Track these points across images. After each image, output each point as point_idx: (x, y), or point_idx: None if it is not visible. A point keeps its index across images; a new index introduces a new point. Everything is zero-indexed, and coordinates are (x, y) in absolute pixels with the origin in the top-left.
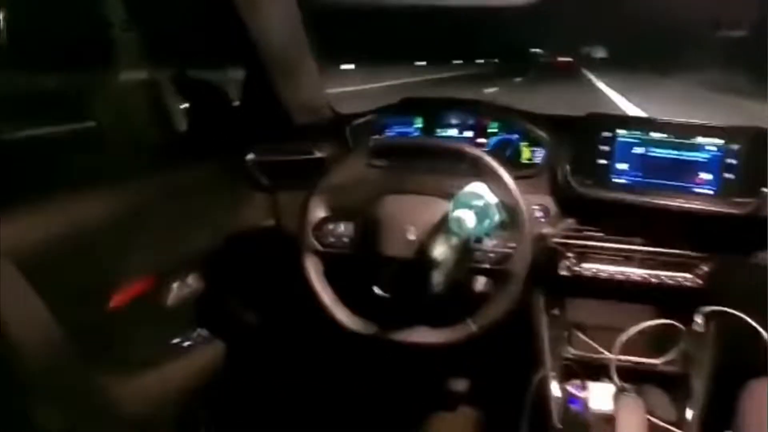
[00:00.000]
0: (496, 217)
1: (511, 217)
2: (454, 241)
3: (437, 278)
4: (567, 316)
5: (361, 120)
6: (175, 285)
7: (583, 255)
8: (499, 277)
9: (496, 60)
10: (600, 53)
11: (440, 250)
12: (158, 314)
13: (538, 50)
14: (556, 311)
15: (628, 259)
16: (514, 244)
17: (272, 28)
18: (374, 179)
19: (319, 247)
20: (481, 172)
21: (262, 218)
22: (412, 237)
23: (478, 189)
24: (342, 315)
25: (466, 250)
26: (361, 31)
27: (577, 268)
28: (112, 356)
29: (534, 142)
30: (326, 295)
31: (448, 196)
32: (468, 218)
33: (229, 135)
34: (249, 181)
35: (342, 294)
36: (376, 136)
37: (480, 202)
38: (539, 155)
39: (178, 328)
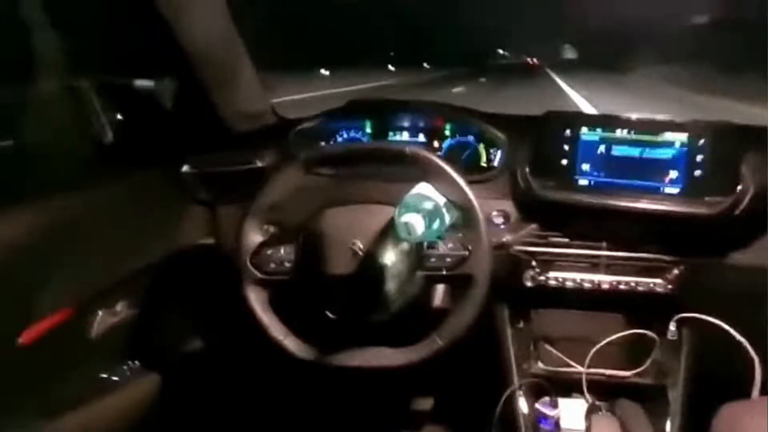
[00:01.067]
0: (447, 218)
1: (464, 217)
2: (405, 247)
3: (392, 291)
4: (533, 328)
5: (306, 125)
6: (100, 313)
7: (548, 263)
8: (460, 282)
9: (462, 62)
10: (569, 54)
11: (390, 258)
12: (81, 347)
13: (504, 52)
14: (521, 324)
15: (594, 265)
16: (470, 246)
17: (200, 29)
18: (313, 193)
19: (260, 276)
20: (426, 172)
21: (200, 235)
22: (358, 250)
23: (425, 190)
24: (293, 345)
25: (419, 256)
26: (325, 35)
27: (542, 278)
28: (27, 399)
29: (491, 144)
30: (274, 327)
31: (394, 202)
32: (416, 222)
33: (162, 145)
34: (186, 195)
35: (291, 322)
36: (315, 146)
37: (428, 204)
38: (497, 158)
39: (106, 362)
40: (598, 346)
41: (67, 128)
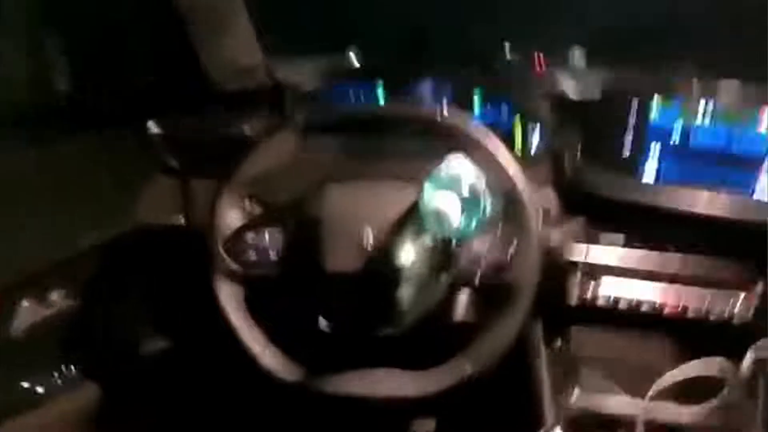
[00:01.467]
0: (488, 209)
1: (508, 209)
2: (429, 242)
3: (408, 299)
4: (573, 348)
5: (307, 87)
6: (25, 303)
7: (596, 272)
8: (498, 295)
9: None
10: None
11: (409, 255)
12: None
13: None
14: (558, 343)
15: (656, 278)
16: (513, 248)
17: None
18: (312, 165)
19: (237, 268)
20: (464, 144)
21: (166, 212)
22: (368, 242)
23: (461, 167)
24: (273, 361)
25: (446, 256)
26: None
27: (588, 295)
28: None
29: (530, 119)
30: (249, 334)
31: (417, 181)
32: (450, 209)
33: (128, 100)
34: (152, 162)
35: (273, 330)
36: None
37: (466, 186)
38: (537, 136)
39: (31, 368)
40: (663, 381)
41: (19, 79)
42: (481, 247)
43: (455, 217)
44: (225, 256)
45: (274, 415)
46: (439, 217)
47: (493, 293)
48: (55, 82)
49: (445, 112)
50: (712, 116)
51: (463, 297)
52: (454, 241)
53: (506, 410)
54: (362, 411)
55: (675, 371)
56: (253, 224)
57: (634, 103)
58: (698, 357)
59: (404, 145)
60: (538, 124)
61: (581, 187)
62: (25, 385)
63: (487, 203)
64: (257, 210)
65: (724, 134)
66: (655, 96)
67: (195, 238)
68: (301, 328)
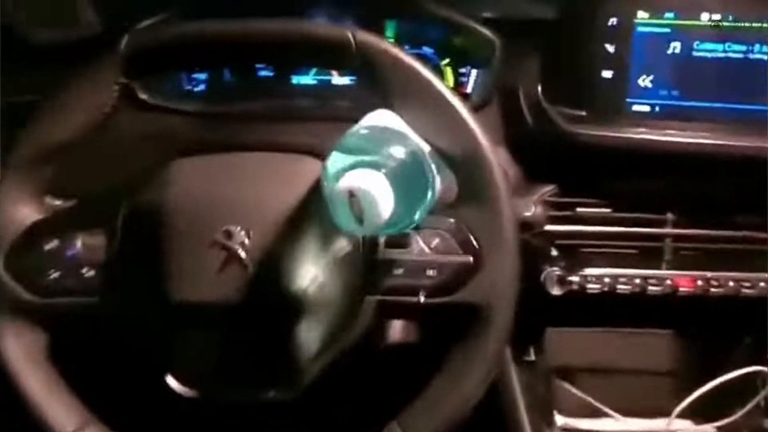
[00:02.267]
0: (435, 188)
1: (465, 183)
2: (342, 246)
3: (311, 342)
4: (550, 359)
5: (153, 21)
6: None
7: (578, 253)
8: (455, 320)
9: None
10: None
11: (310, 272)
12: None
13: None
14: (531, 354)
15: (652, 252)
16: (479, 243)
17: None
18: (146, 128)
19: (28, 296)
20: (384, 86)
21: None
22: (239, 250)
23: (389, 127)
24: None
25: (371, 265)
26: None
27: (574, 279)
28: None
29: (462, 58)
30: (58, 408)
31: (320, 148)
32: (376, 189)
33: None
34: None
35: (96, 398)
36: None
37: (399, 151)
38: (473, 80)
39: None
40: (690, 398)
41: None
42: (425, 246)
43: (385, 205)
44: (8, 279)
45: None
46: (359, 206)
47: (448, 318)
48: None
49: (364, 36)
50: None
51: (398, 327)
52: (381, 241)
53: None
54: None
55: (708, 385)
56: (55, 225)
57: (612, 21)
58: (717, 350)
59: (289, 100)
60: (478, 63)
61: (547, 136)
62: None
63: (436, 178)
64: (60, 203)
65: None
66: (639, 13)
67: None
68: (140, 392)
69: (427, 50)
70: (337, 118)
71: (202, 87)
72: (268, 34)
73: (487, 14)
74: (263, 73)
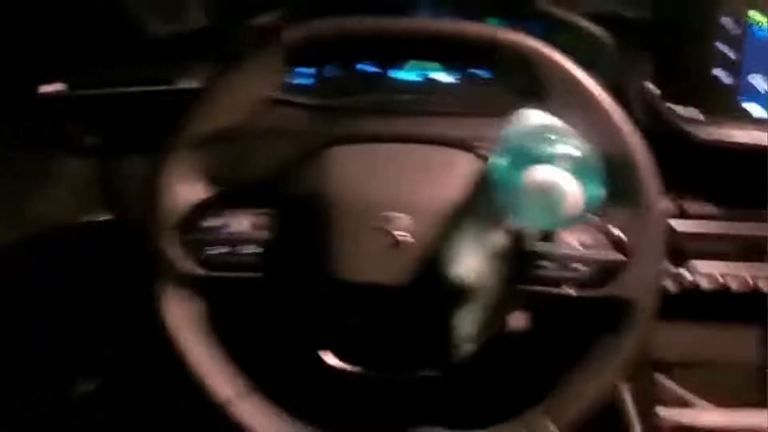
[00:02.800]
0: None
1: (617, 183)
2: (498, 237)
3: (465, 325)
4: (655, 353)
5: (269, 17)
6: None
7: (688, 251)
8: (601, 313)
9: None
10: None
11: (471, 262)
12: None
13: None
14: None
15: (762, 252)
16: (630, 240)
17: None
18: (308, 115)
19: (195, 269)
20: (542, 87)
21: (82, 208)
22: (402, 236)
23: (546, 120)
24: (252, 416)
25: (526, 258)
26: None
27: (686, 277)
28: None
29: (566, 54)
30: (215, 373)
31: (468, 142)
32: (567, 183)
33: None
34: (56, 140)
35: (252, 367)
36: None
37: (568, 147)
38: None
39: None
40: None
41: None
42: (575, 240)
43: (573, 199)
44: (176, 251)
45: None
46: (547, 200)
47: (594, 311)
48: None
49: (515, 36)
50: None
51: (543, 318)
52: (532, 235)
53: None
54: None
55: None
56: (222, 203)
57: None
58: None
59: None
60: (585, 60)
61: (658, 135)
62: None
63: (597, 178)
64: (221, 187)
65: None
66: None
67: (125, 238)
68: (299, 365)
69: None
70: (478, 114)
71: (308, 81)
72: (422, 32)
73: (594, 11)
74: (365, 68)
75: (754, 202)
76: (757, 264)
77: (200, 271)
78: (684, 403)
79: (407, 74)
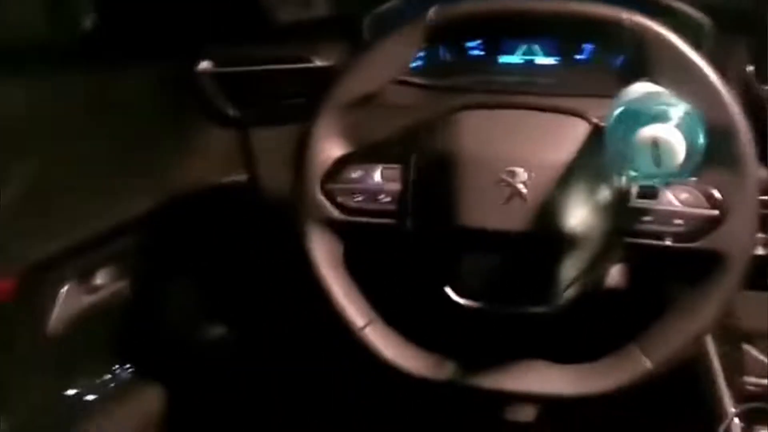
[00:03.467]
0: (703, 145)
1: (715, 146)
2: (606, 193)
3: (571, 268)
4: (744, 322)
5: (389, 5)
6: (66, 289)
7: None
8: (696, 264)
9: None
10: None
11: (581, 213)
12: (29, 344)
13: None
14: (725, 317)
15: None
16: (724, 199)
17: None
18: (440, 85)
19: (336, 214)
20: (650, 62)
21: (225, 169)
22: (521, 187)
23: (659, 93)
24: (381, 342)
25: (629, 211)
26: None
27: None
28: None
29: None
30: (352, 304)
31: (586, 112)
32: (674, 138)
33: (169, 30)
34: (203, 109)
35: (384, 301)
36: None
37: (677, 110)
38: None
39: (76, 370)
40: None
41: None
42: (674, 198)
43: (680, 150)
44: (321, 198)
45: (376, 412)
46: (657, 152)
47: (690, 261)
48: (76, 9)
49: (636, 18)
50: None
51: (644, 266)
52: (635, 191)
53: (672, 403)
54: (500, 413)
55: None
56: (360, 157)
57: None
58: None
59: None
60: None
61: (759, 118)
62: (71, 392)
63: (701, 138)
64: (364, 142)
65: None
66: None
67: (261, 198)
68: (423, 300)
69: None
70: (578, 94)
71: (419, 63)
72: (553, 12)
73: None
74: (474, 52)
75: None
76: None
77: (341, 216)
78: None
79: (511, 58)
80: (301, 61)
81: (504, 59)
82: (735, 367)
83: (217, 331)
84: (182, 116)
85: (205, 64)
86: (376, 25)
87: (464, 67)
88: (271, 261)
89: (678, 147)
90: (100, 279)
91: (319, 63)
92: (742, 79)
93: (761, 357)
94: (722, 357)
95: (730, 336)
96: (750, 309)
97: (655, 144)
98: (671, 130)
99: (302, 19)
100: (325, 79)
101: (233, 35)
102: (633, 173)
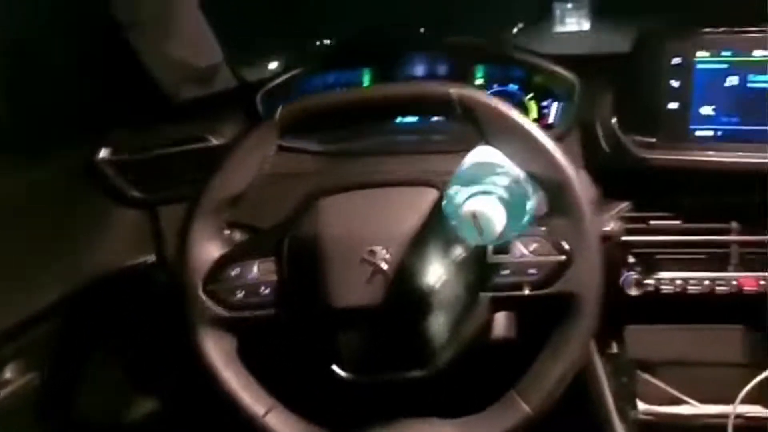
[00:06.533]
0: (533, 205)
1: (554, 200)
2: (460, 254)
3: (441, 330)
4: (631, 352)
5: (281, 80)
6: None
7: (652, 259)
8: (555, 308)
9: None
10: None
11: (437, 274)
12: None
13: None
14: (613, 348)
15: (721, 259)
16: (568, 245)
17: None
18: (294, 185)
19: (221, 311)
20: (486, 129)
21: (133, 251)
22: (381, 264)
23: (492, 156)
24: (282, 424)
25: (485, 267)
26: None
27: (649, 282)
28: None
29: (544, 93)
30: (248, 395)
31: (436, 181)
32: (491, 210)
33: (67, 121)
34: (108, 193)
35: (277, 386)
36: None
37: (503, 179)
38: (555, 112)
39: None
40: (756, 380)
41: None
42: (525, 250)
43: (498, 221)
44: (205, 299)
45: None
46: (479, 221)
47: (549, 306)
48: None
49: (461, 91)
50: None
51: (509, 316)
52: (490, 248)
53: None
54: None
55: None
56: (236, 255)
57: (675, 60)
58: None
59: (408, 137)
60: (558, 97)
61: (622, 161)
62: None
63: (532, 198)
64: (240, 237)
65: None
66: (699, 52)
67: (171, 277)
68: (312, 379)
69: (512, 87)
70: (442, 151)
71: None
72: (388, 97)
73: (564, 53)
74: None
75: (711, 213)
76: (716, 270)
77: (226, 313)
78: (667, 400)
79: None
80: (199, 141)
81: (400, 119)
82: (628, 396)
83: (135, 414)
84: (88, 202)
85: (104, 153)
86: (269, 99)
87: (363, 130)
88: (183, 340)
89: (496, 219)
90: (8, 373)
91: (215, 142)
92: (609, 129)
93: (654, 381)
94: (613, 381)
95: (622, 365)
96: (644, 340)
97: (476, 217)
98: (491, 204)
99: (200, 96)
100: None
101: (134, 116)
102: (463, 239)
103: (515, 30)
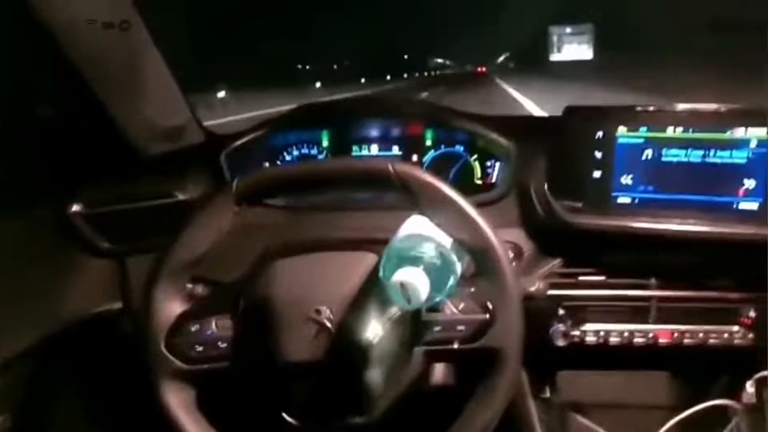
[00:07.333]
0: (458, 271)
1: (479, 263)
2: (396, 313)
3: (378, 382)
4: (563, 396)
5: (245, 140)
6: None
7: (580, 311)
8: (481, 360)
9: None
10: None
11: (375, 332)
12: None
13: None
14: (546, 392)
15: (641, 311)
16: (492, 304)
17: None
18: (256, 234)
19: (181, 365)
20: (419, 200)
21: (102, 299)
22: (326, 322)
23: (420, 227)
24: None
25: (417, 325)
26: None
27: (575, 333)
28: None
29: (486, 155)
30: None
31: (377, 243)
32: (417, 280)
33: (39, 177)
34: (78, 244)
35: None
36: (254, 168)
37: (430, 250)
38: (497, 173)
39: None
40: (668, 424)
41: None
42: (455, 309)
43: (423, 290)
44: (167, 353)
45: None
46: (406, 291)
47: (476, 359)
48: None
49: (399, 167)
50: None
51: (441, 368)
52: (423, 309)
53: None
54: None
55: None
56: (197, 311)
57: (599, 134)
58: (699, 387)
59: (355, 198)
60: (499, 159)
61: (553, 223)
62: None
63: (457, 265)
64: (200, 293)
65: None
66: (620, 128)
67: (136, 328)
68: (265, 426)
69: (458, 149)
70: (394, 207)
71: None
72: (336, 172)
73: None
74: None
75: (632, 271)
76: (637, 322)
77: (186, 366)
78: None
79: None
80: (165, 197)
81: None
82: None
83: None
84: (58, 253)
85: (75, 207)
86: (234, 157)
87: None
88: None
89: (421, 289)
90: None
91: (181, 197)
92: (541, 194)
93: (583, 421)
94: (545, 423)
95: (554, 408)
96: (576, 384)
97: (404, 287)
98: (417, 275)
99: (168, 150)
100: (184, 212)
101: (105, 172)
102: (390, 302)
103: (501, 59)
